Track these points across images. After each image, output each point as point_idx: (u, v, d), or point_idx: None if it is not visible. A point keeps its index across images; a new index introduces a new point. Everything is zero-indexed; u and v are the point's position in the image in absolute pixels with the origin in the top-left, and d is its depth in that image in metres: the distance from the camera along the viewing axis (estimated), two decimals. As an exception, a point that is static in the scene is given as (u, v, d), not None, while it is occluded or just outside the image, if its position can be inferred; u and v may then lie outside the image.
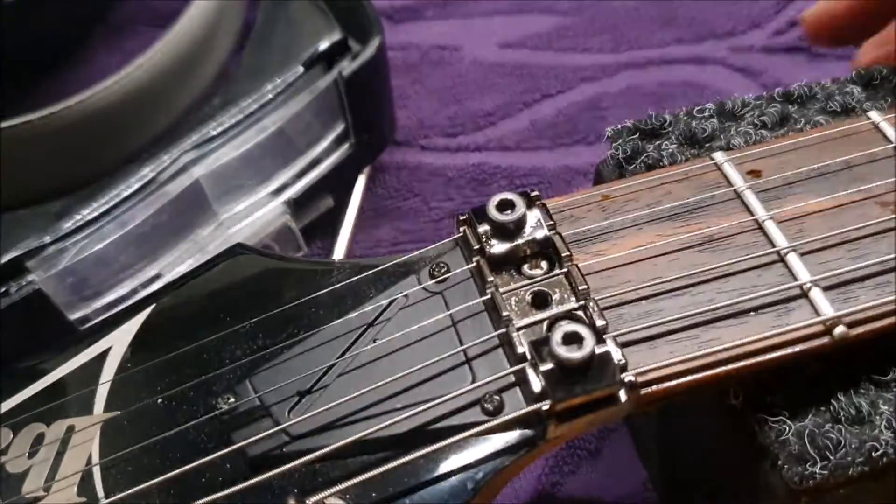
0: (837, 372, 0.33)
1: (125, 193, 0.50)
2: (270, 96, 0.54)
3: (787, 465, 0.31)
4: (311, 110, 0.55)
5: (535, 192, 0.35)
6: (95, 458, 0.34)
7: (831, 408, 0.32)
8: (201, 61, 0.67)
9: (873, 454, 0.31)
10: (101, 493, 0.33)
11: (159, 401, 0.35)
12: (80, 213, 0.49)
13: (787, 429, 0.32)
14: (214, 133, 0.53)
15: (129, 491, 0.32)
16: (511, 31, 0.75)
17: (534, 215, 0.35)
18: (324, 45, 0.56)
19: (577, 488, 0.50)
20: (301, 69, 0.55)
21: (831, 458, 0.31)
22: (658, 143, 0.40)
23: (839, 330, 0.32)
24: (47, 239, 0.48)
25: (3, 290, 0.46)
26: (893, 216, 0.35)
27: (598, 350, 0.30)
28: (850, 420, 0.32)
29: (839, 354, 0.33)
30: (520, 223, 0.34)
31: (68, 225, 0.49)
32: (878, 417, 0.32)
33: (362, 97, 0.57)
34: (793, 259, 0.34)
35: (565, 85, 0.69)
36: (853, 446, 0.31)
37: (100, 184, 0.51)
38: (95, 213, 0.49)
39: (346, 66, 0.55)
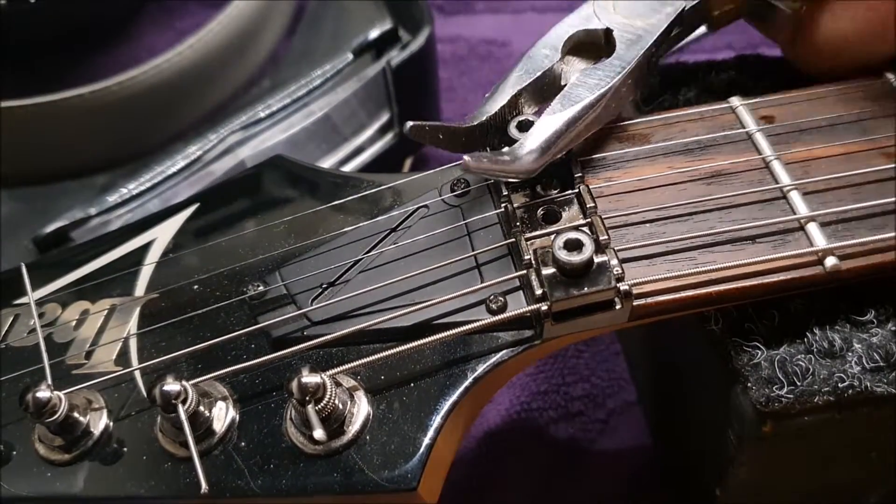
0: (818, 310, 0.35)
1: (171, 170, 0.51)
2: (319, 82, 0.55)
3: (756, 387, 0.33)
4: (357, 98, 0.56)
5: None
6: (133, 333, 0.37)
7: (805, 340, 0.34)
8: (252, 44, 0.68)
9: (840, 385, 0.33)
10: (135, 363, 0.36)
11: (195, 286, 0.38)
12: (125, 187, 0.51)
13: (760, 353, 0.34)
14: (262, 115, 0.54)
15: (160, 358, 0.35)
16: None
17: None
18: (374, 34, 0.57)
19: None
20: (350, 56, 0.56)
21: (798, 383, 0.33)
22: (676, 89, 0.42)
23: (831, 261, 0.34)
24: (92, 211, 0.49)
25: (46, 258, 0.46)
26: (894, 165, 0.36)
27: (598, 259, 0.32)
28: (822, 353, 0.34)
29: (823, 293, 0.35)
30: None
31: (113, 198, 0.50)
32: (850, 353, 0.34)
33: (409, 87, 0.58)
34: (794, 196, 0.36)
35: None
36: (821, 376, 0.33)
37: (146, 160, 0.52)
38: (140, 189, 0.51)
39: (395, 56, 0.56)
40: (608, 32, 0.38)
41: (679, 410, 0.46)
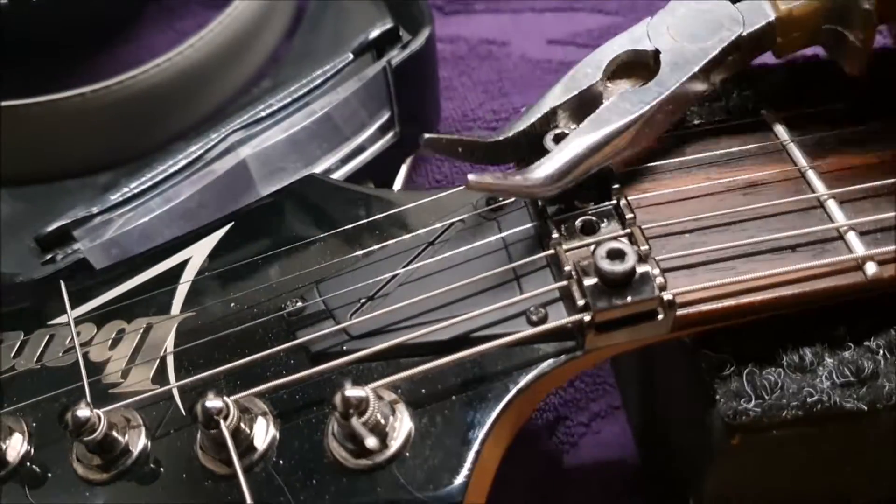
0: (790, 323, 0.34)
1: (172, 170, 0.51)
2: (319, 81, 0.55)
3: (724, 400, 0.33)
4: (358, 97, 0.56)
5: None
6: (170, 351, 0.37)
7: (776, 353, 0.34)
8: (253, 43, 0.68)
9: (808, 399, 0.32)
10: (172, 381, 0.36)
11: (231, 303, 0.38)
12: (127, 186, 0.50)
13: (730, 366, 0.34)
14: (263, 115, 0.53)
15: (198, 376, 0.35)
16: (559, 28, 0.75)
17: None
18: (374, 33, 0.56)
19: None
20: (350, 56, 0.56)
21: (767, 397, 0.33)
22: (703, 100, 0.42)
23: (871, 268, 0.34)
24: (94, 210, 0.48)
25: (49, 257, 0.47)
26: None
27: (640, 269, 0.32)
28: (792, 367, 0.34)
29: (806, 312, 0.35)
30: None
31: (115, 197, 0.49)
32: (820, 368, 0.33)
33: (409, 87, 0.57)
34: (831, 205, 0.36)
35: (610, 83, 0.70)
36: (790, 390, 0.33)
37: (148, 159, 0.52)
38: (142, 188, 0.50)
39: (395, 55, 0.56)
40: (657, 54, 0.37)
41: (658, 419, 0.45)
